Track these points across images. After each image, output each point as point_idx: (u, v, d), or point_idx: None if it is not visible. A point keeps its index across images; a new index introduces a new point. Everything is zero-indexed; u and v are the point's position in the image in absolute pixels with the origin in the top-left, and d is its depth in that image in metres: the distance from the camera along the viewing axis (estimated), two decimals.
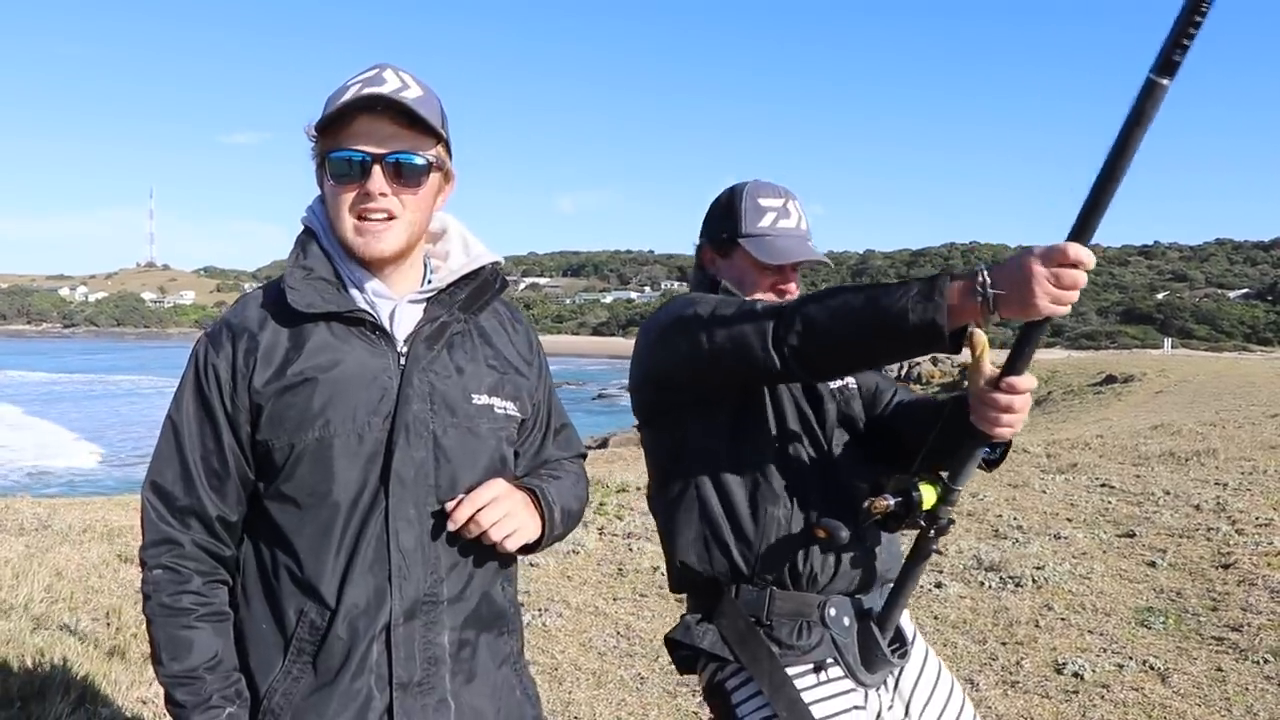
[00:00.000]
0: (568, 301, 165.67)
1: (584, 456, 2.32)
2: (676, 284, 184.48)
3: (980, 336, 2.02)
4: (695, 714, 4.83)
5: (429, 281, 2.05)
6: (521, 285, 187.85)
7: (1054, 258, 1.82)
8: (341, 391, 1.87)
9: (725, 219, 2.51)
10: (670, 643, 2.42)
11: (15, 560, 6.65)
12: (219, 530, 1.91)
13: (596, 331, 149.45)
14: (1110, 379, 34.69)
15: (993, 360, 2.08)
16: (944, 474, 2.14)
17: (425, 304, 2.01)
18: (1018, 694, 4.96)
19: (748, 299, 2.32)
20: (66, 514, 8.97)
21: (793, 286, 2.49)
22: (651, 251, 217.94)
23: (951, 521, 2.19)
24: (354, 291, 1.95)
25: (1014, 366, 2.01)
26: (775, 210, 2.48)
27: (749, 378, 2.20)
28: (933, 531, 2.16)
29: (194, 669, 1.84)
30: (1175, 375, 33.59)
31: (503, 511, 1.91)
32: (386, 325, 1.94)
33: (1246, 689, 4.88)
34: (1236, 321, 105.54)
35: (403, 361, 1.92)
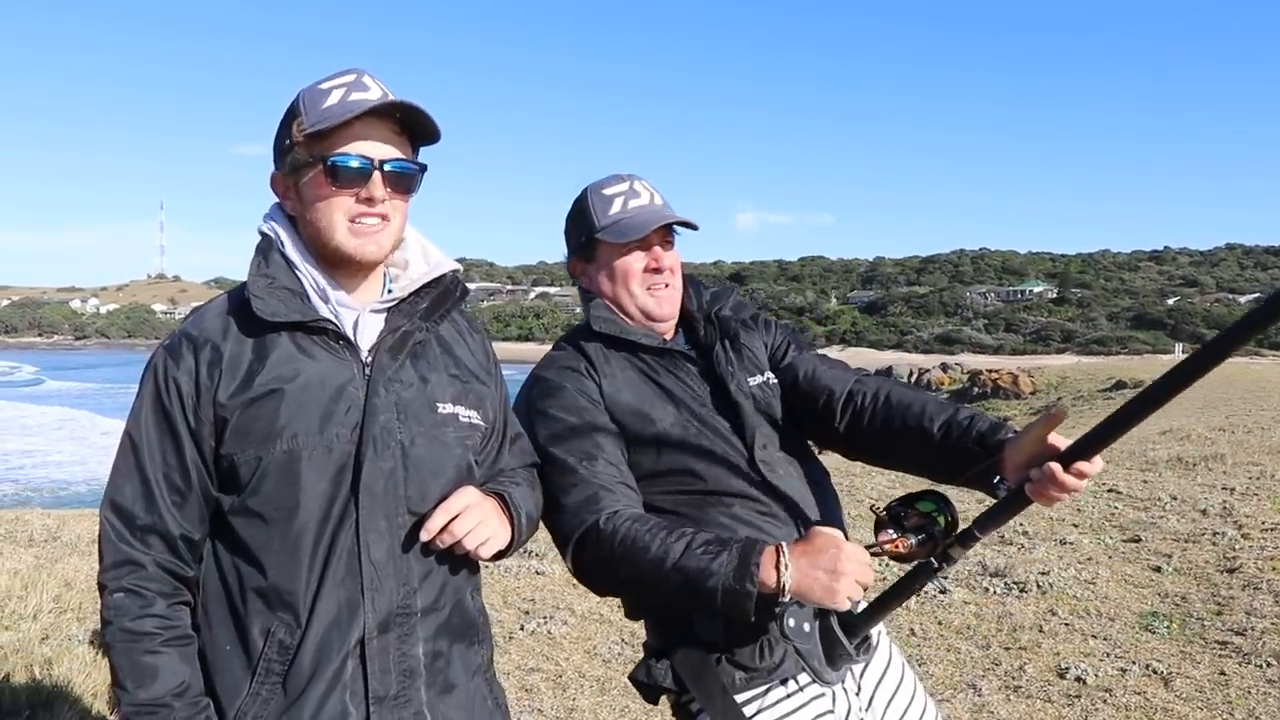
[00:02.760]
0: (577, 311, 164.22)
1: (537, 465, 2.28)
2: None
3: (1063, 413, 2.01)
4: None
5: (389, 291, 2.03)
6: (532, 294, 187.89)
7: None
8: (308, 403, 1.84)
9: (579, 223, 2.48)
10: (634, 681, 2.41)
11: (25, 571, 6.71)
12: (182, 549, 1.85)
13: None
14: (1120, 384, 34.70)
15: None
16: (973, 528, 2.07)
17: (387, 314, 1.99)
18: (1020, 698, 4.97)
19: (563, 454, 2.26)
20: (76, 525, 9.05)
21: (666, 258, 2.43)
22: None
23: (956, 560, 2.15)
24: (317, 301, 1.92)
25: (1086, 452, 1.98)
26: (622, 194, 2.44)
27: None
28: (941, 565, 2.10)
29: (160, 697, 1.77)
30: None
31: (475, 520, 1.89)
32: (350, 335, 1.92)
33: (1249, 693, 4.88)
34: None
35: (368, 372, 1.90)
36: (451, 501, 1.88)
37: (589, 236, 2.45)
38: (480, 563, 2.04)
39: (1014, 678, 5.22)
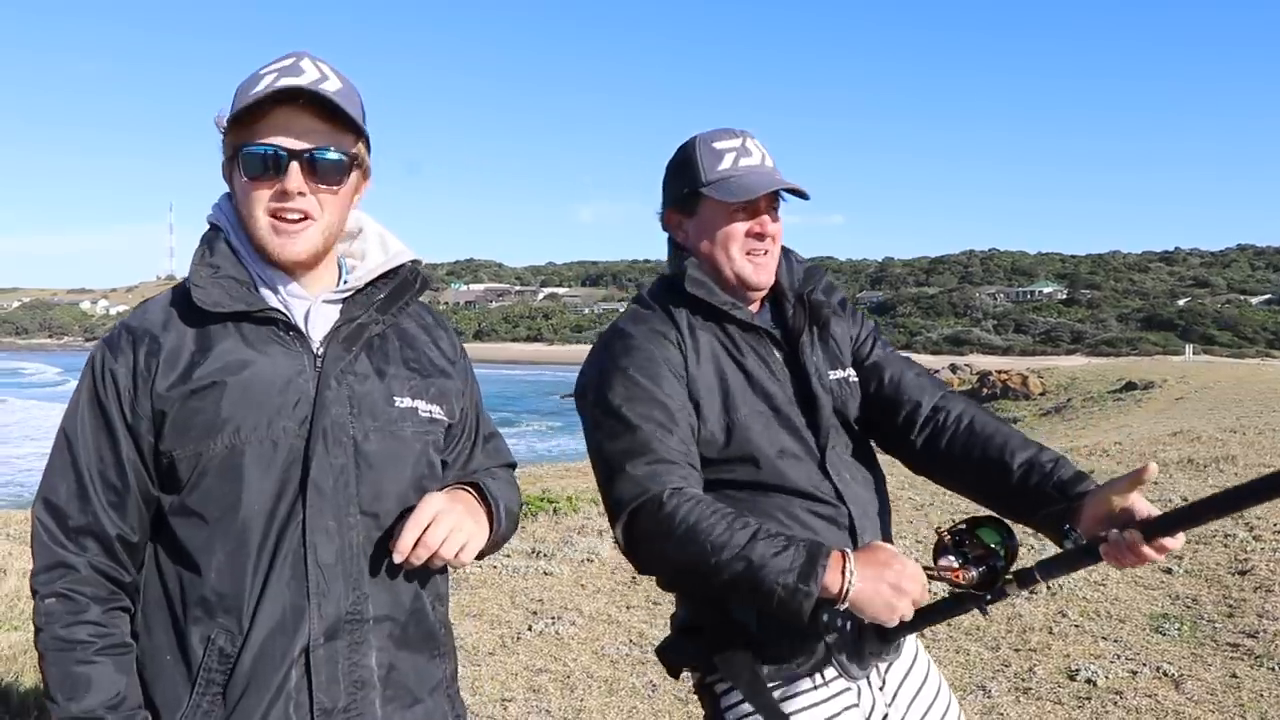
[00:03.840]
0: (586, 311, 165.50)
1: (513, 466, 2.18)
2: None
3: (1150, 470, 1.94)
4: None
5: (345, 281, 1.93)
6: (540, 295, 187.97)
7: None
8: (253, 396, 1.73)
9: (683, 174, 2.35)
10: (659, 652, 2.40)
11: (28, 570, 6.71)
12: (118, 551, 1.75)
13: None
14: (1131, 385, 34.62)
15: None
16: (1035, 570, 2.01)
17: (341, 304, 1.89)
18: (1030, 700, 4.95)
19: (644, 428, 2.16)
20: None
21: (770, 226, 2.32)
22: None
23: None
24: (265, 291, 1.82)
25: (1172, 529, 1.92)
26: (734, 150, 2.32)
27: None
28: (993, 599, 2.04)
29: (93, 709, 1.68)
30: (1196, 382, 33.48)
31: (448, 527, 1.77)
32: (301, 326, 1.82)
33: (1261, 695, 4.86)
34: (1259, 327, 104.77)
35: (319, 364, 1.80)
36: (418, 514, 1.76)
37: (693, 189, 2.32)
38: (460, 569, 1.93)
39: (1024, 679, 5.20)
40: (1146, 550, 1.91)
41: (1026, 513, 2.17)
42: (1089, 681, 5.10)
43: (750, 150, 2.33)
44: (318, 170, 1.79)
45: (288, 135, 1.76)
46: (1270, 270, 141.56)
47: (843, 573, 1.93)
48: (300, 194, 1.78)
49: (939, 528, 2.11)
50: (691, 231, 2.37)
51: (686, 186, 2.34)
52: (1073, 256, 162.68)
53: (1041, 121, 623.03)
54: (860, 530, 2.27)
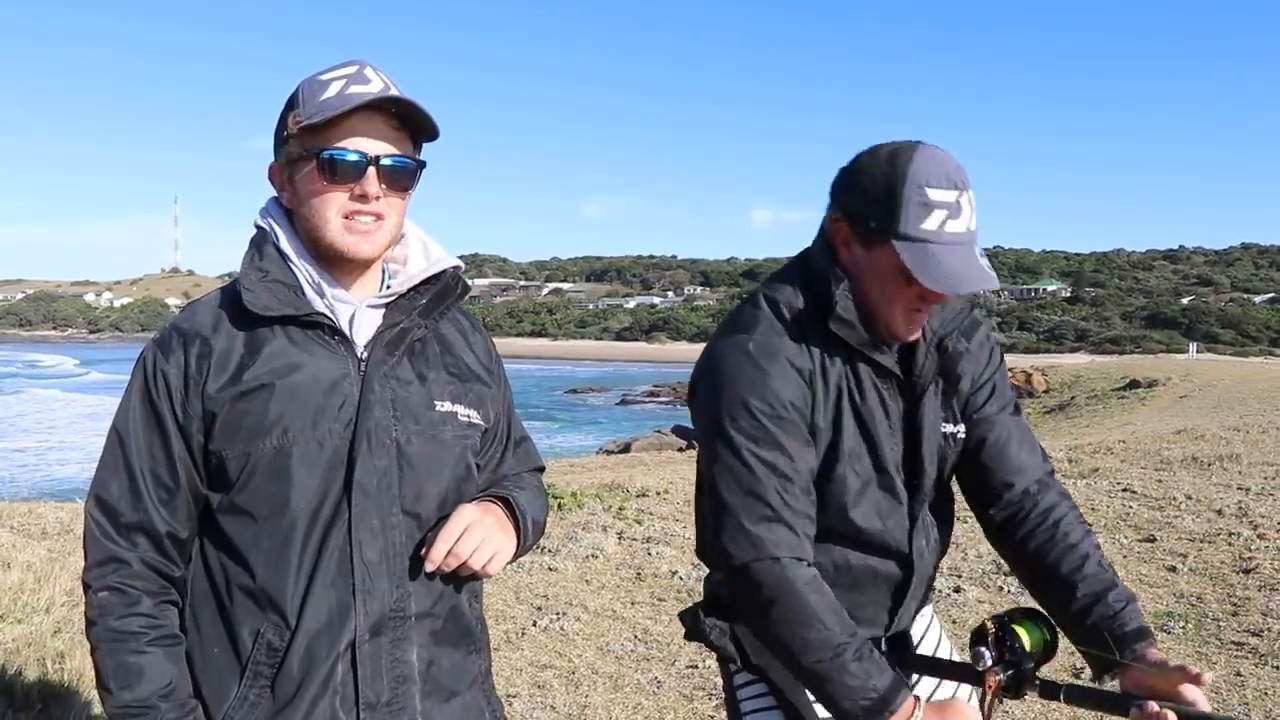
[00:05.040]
0: (590, 306, 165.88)
1: (542, 470, 2.22)
2: (699, 289, 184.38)
3: (1203, 679, 1.89)
4: (711, 718, 4.84)
5: (388, 286, 1.97)
6: (545, 290, 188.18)
7: None
8: (300, 398, 1.79)
9: (879, 205, 2.00)
10: (682, 616, 2.35)
11: (38, 564, 6.72)
12: (168, 547, 1.80)
13: (620, 336, 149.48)
14: (1134, 384, 34.53)
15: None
16: (1061, 690, 1.98)
17: (385, 309, 1.93)
18: (1034, 697, 4.92)
19: (761, 484, 2.03)
20: None
21: (931, 309, 2.11)
22: (675, 256, 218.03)
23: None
24: (312, 295, 1.86)
25: None
26: (946, 208, 1.97)
27: None
28: (1003, 696, 2.01)
29: (146, 698, 1.73)
30: (1200, 380, 33.40)
31: (479, 538, 1.83)
32: (346, 330, 1.87)
33: (1265, 693, 4.86)
34: (1262, 326, 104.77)
35: (363, 368, 1.85)
36: (451, 525, 1.82)
37: (883, 229, 2.00)
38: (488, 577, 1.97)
39: None
40: None
41: (1076, 638, 2.11)
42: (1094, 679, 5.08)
43: (961, 209, 2.00)
44: (391, 175, 1.85)
45: (366, 141, 1.83)
46: (1274, 269, 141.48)
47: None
48: (376, 197, 1.84)
49: (990, 618, 2.07)
50: (860, 262, 2.09)
51: (875, 220, 2.02)
52: (1077, 254, 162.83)
53: (1046, 120, 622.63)
54: (912, 590, 2.23)
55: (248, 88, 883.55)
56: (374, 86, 1.84)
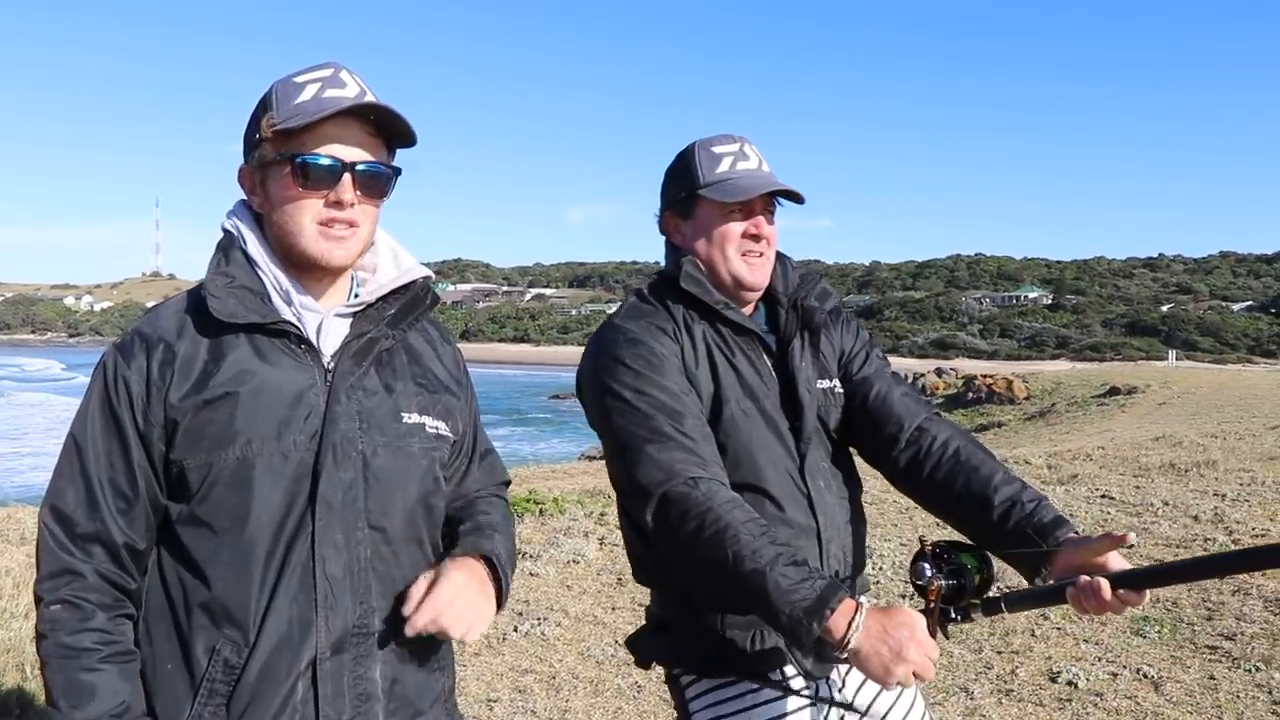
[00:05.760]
0: (573, 312, 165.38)
1: (508, 484, 2.20)
2: None
3: (1129, 539, 1.97)
4: None
5: (356, 295, 1.93)
6: (527, 296, 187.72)
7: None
8: (265, 408, 1.74)
9: (681, 178, 2.38)
10: (629, 643, 2.43)
11: (16, 570, 6.70)
12: (125, 559, 1.74)
13: None
14: (1114, 390, 34.75)
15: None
16: (1001, 600, 2.02)
17: (353, 318, 1.89)
18: (1012, 702, 4.99)
19: (657, 412, 2.17)
20: None
21: (766, 227, 2.35)
22: (657, 262, 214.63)
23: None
24: (279, 302, 1.82)
25: (1138, 584, 1.95)
26: (732, 154, 2.35)
27: None
28: (957, 619, 2.05)
29: (97, 718, 1.66)
30: (1178, 387, 33.62)
31: (464, 606, 1.78)
32: (313, 339, 1.82)
33: (1238, 696, 4.91)
34: (1240, 334, 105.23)
35: (329, 378, 1.80)
36: (437, 594, 1.76)
37: (690, 192, 2.36)
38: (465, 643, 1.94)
39: (1006, 681, 5.24)
40: (1109, 599, 1.92)
41: (1001, 548, 2.19)
42: (1070, 683, 5.14)
43: (747, 154, 2.36)
44: (367, 182, 1.83)
45: (342, 146, 1.80)
46: (1252, 277, 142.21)
47: (849, 623, 1.91)
48: (351, 204, 1.81)
49: (923, 537, 2.12)
50: (688, 233, 2.40)
51: (684, 189, 2.37)
52: (1058, 262, 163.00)
53: (1028, 128, 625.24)
54: (827, 540, 2.29)
55: (230, 91, 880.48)
56: (350, 91, 1.80)
